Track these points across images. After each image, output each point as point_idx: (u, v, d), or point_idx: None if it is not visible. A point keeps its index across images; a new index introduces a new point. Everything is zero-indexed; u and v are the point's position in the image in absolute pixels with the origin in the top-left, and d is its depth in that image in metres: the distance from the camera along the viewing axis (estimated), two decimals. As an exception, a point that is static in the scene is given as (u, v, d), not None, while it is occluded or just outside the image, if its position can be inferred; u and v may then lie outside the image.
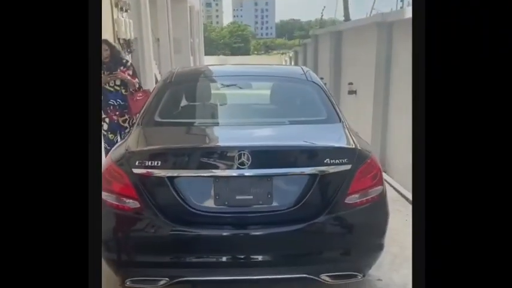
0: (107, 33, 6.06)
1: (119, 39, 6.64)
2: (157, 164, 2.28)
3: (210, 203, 2.32)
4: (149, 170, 2.29)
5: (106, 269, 2.49)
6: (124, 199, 2.31)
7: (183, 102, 3.38)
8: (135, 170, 2.29)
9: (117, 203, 2.33)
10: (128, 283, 2.39)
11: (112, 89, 4.66)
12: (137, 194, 2.29)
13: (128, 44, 6.96)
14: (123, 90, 4.68)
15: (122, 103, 4.68)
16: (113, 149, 2.77)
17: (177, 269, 2.39)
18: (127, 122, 4.77)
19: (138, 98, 4.59)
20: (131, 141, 2.54)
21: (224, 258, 2.37)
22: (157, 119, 2.85)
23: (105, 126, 4.71)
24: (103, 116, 4.70)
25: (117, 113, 4.70)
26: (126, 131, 4.65)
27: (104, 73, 4.54)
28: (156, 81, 9.27)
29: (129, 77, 4.65)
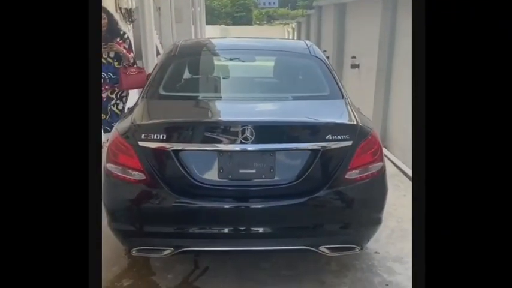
0: (108, 2, 5.98)
1: (120, 8, 6.56)
2: (163, 137, 2.32)
3: (213, 176, 2.37)
4: (155, 143, 2.33)
5: (113, 239, 2.57)
6: (130, 171, 2.36)
7: (187, 76, 3.40)
8: (141, 143, 2.34)
9: (123, 175, 2.38)
10: (134, 252, 2.47)
11: (104, 61, 4.33)
12: (143, 166, 2.34)
13: (129, 13, 6.89)
14: (115, 63, 4.37)
15: (113, 77, 4.37)
16: (118, 122, 2.80)
17: (181, 239, 2.46)
18: (114, 93, 4.45)
19: (131, 73, 4.27)
20: (137, 114, 2.57)
21: (226, 230, 2.44)
22: (162, 92, 2.87)
23: None
24: None
25: (107, 87, 4.39)
26: (112, 102, 4.42)
27: None
28: (158, 52, 9.19)
29: (124, 50, 4.31)
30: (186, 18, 13.08)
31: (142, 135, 2.34)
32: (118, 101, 4.46)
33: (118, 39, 4.33)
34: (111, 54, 4.34)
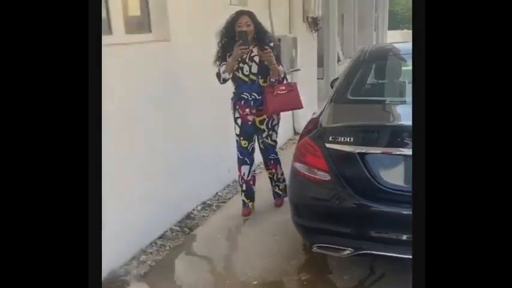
0: (296, 13, 6.33)
1: (307, 17, 6.86)
2: (350, 140, 2.38)
3: (399, 181, 2.33)
4: (341, 145, 2.41)
5: (292, 234, 2.73)
6: (316, 171, 2.49)
7: (374, 80, 3.40)
8: (328, 145, 2.44)
9: (309, 174, 2.52)
10: (314, 248, 2.58)
11: (246, 79, 3.43)
12: (328, 167, 2.44)
13: (315, 22, 7.12)
14: (260, 81, 3.45)
15: (257, 97, 3.47)
16: (305, 125, 2.93)
17: (361, 241, 2.47)
18: (265, 123, 3.59)
19: (279, 92, 3.39)
20: (324, 118, 2.70)
21: (405, 237, 2.35)
22: (349, 96, 2.95)
23: (237, 130, 3.61)
24: (236, 115, 3.58)
25: (253, 111, 3.53)
26: (264, 135, 3.63)
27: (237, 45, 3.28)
28: (338, 59, 9.33)
29: (272, 58, 3.32)
30: (368, 24, 12.99)
31: (330, 138, 2.44)
32: (271, 132, 3.67)
33: (265, 49, 3.31)
34: (254, 70, 3.42)
